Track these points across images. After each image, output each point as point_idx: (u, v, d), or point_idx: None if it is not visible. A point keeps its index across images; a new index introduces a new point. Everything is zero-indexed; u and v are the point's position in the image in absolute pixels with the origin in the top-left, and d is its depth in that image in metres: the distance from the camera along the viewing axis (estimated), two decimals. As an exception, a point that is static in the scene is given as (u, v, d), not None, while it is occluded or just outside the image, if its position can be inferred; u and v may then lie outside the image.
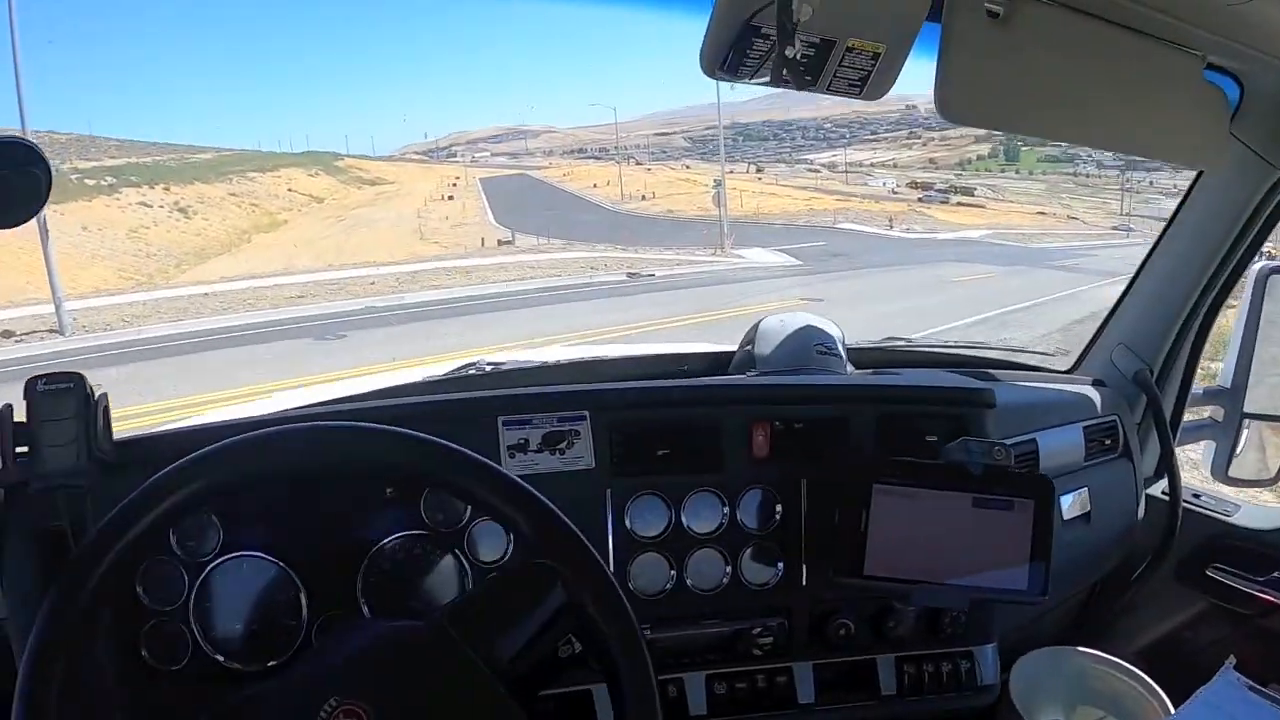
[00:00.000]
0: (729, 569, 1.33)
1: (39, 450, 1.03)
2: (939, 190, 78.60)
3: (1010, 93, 1.14)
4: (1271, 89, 1.43)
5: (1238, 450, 1.79)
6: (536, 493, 0.92)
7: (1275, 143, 1.51)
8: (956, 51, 1.06)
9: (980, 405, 1.45)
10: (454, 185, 70.93)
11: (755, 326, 1.70)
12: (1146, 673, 1.47)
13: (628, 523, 1.29)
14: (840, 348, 1.67)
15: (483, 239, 36.88)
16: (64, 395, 1.04)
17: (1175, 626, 1.82)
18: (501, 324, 13.20)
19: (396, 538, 1.16)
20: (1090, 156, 74.62)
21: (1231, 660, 1.45)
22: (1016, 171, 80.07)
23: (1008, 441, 1.39)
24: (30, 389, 1.04)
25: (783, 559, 1.35)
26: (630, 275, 20.29)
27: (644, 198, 64.17)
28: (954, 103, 1.09)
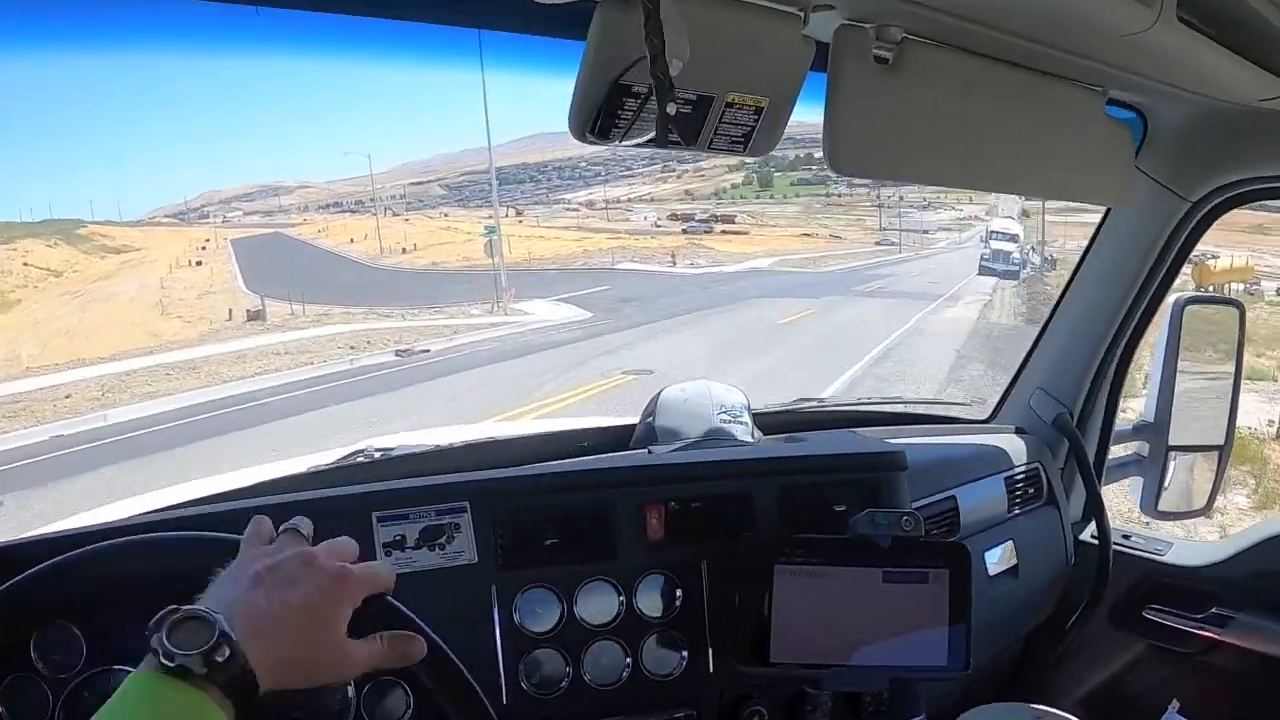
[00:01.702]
0: (629, 661, 1.26)
1: None
2: (701, 220, 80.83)
3: (905, 141, 1.10)
4: (1174, 120, 1.49)
5: (1166, 484, 1.79)
6: None
7: (1182, 173, 1.56)
8: (845, 101, 1.04)
9: (891, 469, 1.40)
10: (203, 249, 64.98)
11: (656, 398, 1.67)
12: None
13: (516, 618, 1.23)
14: (746, 414, 1.64)
15: (230, 309, 31.90)
16: None
17: (1115, 672, 1.81)
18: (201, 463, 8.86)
19: None
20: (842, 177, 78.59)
21: (1175, 704, 1.51)
22: (771, 196, 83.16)
23: (925, 501, 1.54)
24: None
25: (686, 647, 1.29)
26: (400, 354, 16.50)
27: (404, 251, 60.25)
28: (845, 155, 1.05)
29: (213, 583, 0.79)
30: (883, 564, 1.22)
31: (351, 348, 17.82)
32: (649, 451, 1.56)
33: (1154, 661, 1.75)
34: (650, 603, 1.29)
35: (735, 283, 30.81)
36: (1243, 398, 1.81)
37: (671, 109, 0.83)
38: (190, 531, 0.97)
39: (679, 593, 1.30)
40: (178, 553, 0.90)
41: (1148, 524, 2.24)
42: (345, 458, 1.77)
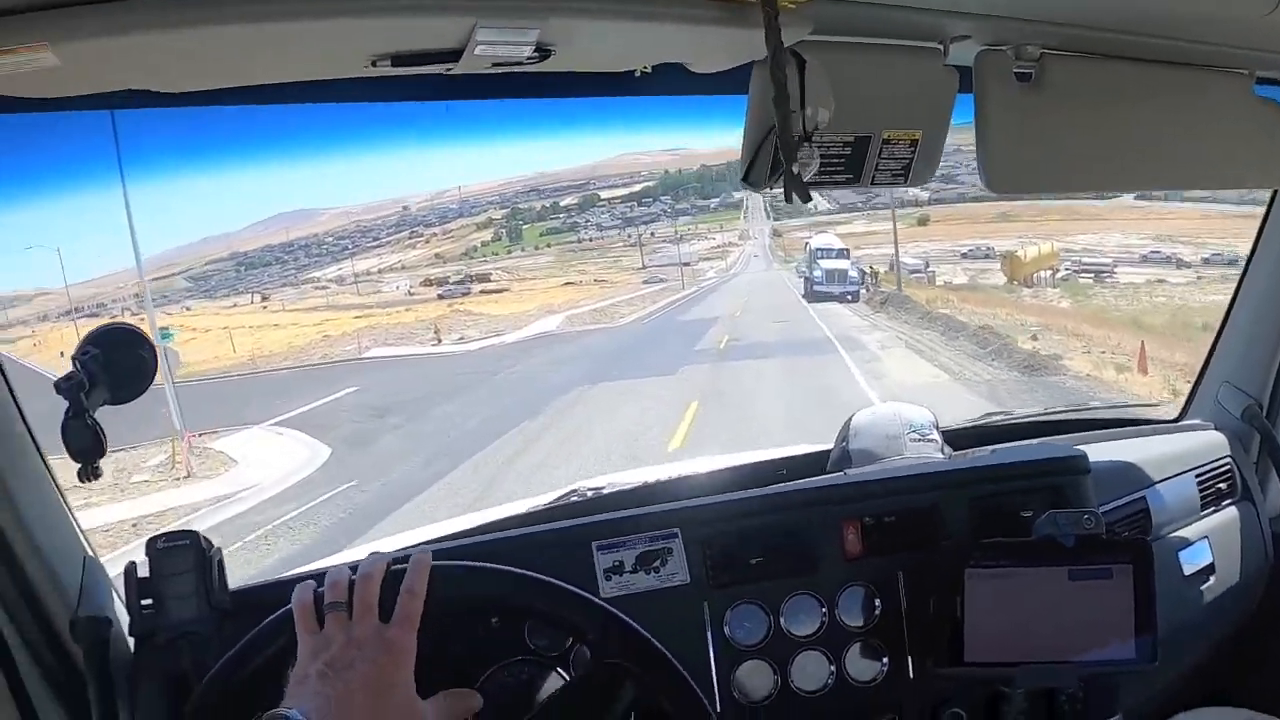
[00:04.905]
0: (833, 669, 1.33)
1: (163, 602, 1.14)
2: (456, 283, 72.78)
3: (1056, 154, 1.12)
4: None
5: None
6: (597, 599, 1.08)
7: None
8: (993, 123, 1.05)
9: (1074, 472, 1.41)
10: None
11: (848, 422, 1.73)
12: None
13: (727, 632, 1.31)
14: (935, 432, 1.67)
15: None
16: (182, 551, 1.15)
17: None
18: None
19: (504, 664, 1.21)
20: (590, 221, 72.89)
21: None
22: (523, 249, 77.26)
23: (1115, 503, 1.54)
24: (151, 547, 1.16)
25: (887, 654, 1.34)
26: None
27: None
28: (999, 176, 1.08)
29: (286, 691, 0.92)
30: (1068, 562, 1.24)
31: None
32: (844, 474, 1.61)
33: None
34: (851, 613, 1.34)
35: (528, 358, 23.82)
36: None
37: (806, 156, 0.92)
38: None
39: (877, 603, 1.34)
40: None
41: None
42: (560, 497, 1.86)
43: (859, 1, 0.97)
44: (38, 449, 1.16)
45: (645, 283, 52.92)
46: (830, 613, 1.32)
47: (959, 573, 1.25)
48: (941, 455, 1.63)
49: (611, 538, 1.28)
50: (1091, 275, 32.22)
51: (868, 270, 31.04)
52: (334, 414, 16.26)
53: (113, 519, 10.74)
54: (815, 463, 1.73)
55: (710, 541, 1.30)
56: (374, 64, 0.87)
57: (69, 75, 0.83)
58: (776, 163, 0.97)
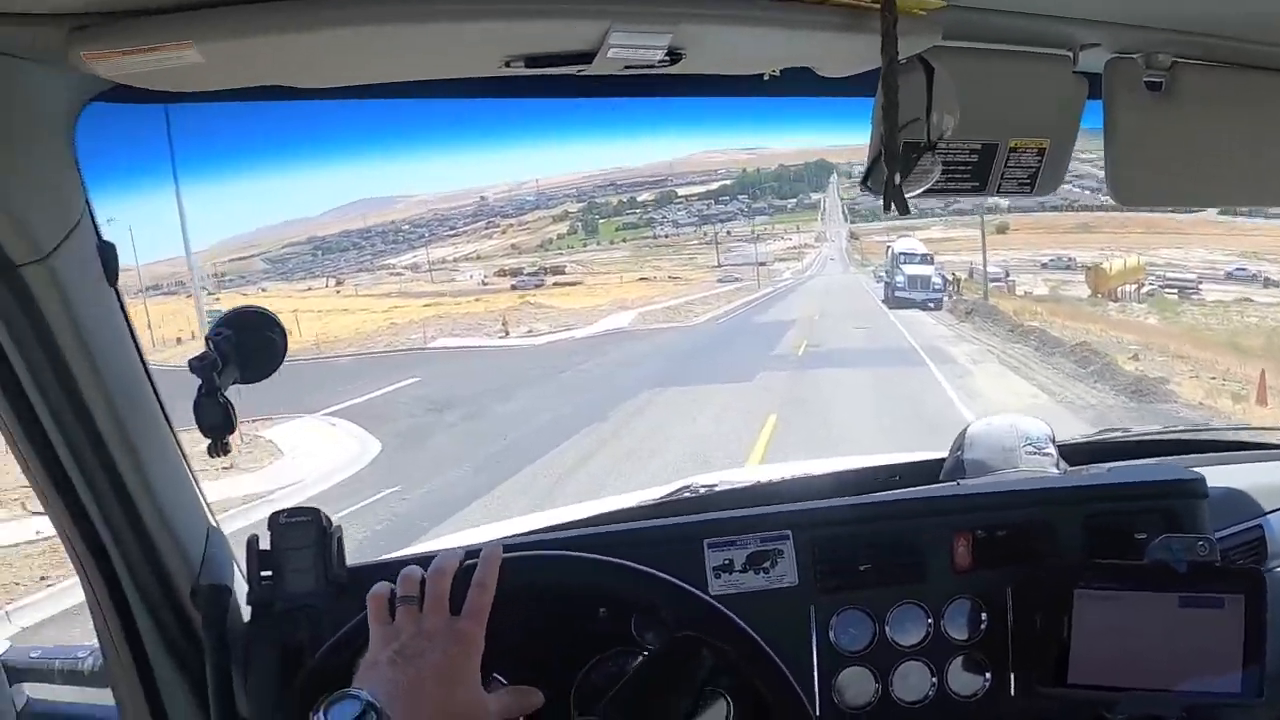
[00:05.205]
0: (935, 681, 1.32)
1: (282, 574, 1.19)
2: (530, 274, 73.60)
3: (1186, 165, 1.10)
4: None
5: None
6: (671, 579, 1.11)
7: None
8: (1122, 132, 1.05)
9: (1190, 496, 1.37)
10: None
11: (963, 432, 1.72)
12: None
13: (832, 637, 1.31)
14: (1051, 446, 1.65)
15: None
16: (304, 527, 1.20)
17: None
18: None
19: (609, 654, 1.23)
20: (666, 218, 72.86)
21: None
22: (598, 243, 77.23)
23: (1231, 529, 1.48)
24: (274, 521, 1.21)
25: (990, 669, 1.34)
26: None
27: (179, 340, 47.52)
28: (1126, 186, 1.07)
29: (356, 676, 0.95)
30: (1179, 589, 1.22)
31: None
32: (957, 484, 1.62)
33: None
34: (957, 626, 1.33)
35: (597, 355, 22.81)
36: None
37: (931, 163, 0.91)
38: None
39: (984, 616, 1.34)
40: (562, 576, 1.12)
41: None
42: (673, 493, 1.87)
43: (989, 9, 0.96)
44: (168, 422, 1.20)
45: (719, 281, 52.64)
46: (936, 624, 1.31)
47: (1069, 592, 1.23)
48: (1056, 470, 1.62)
49: (723, 536, 1.29)
50: (1175, 291, 31.10)
51: (950, 277, 30.25)
52: (392, 405, 15.80)
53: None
54: (928, 470, 1.72)
55: (821, 545, 1.30)
56: (507, 64, 0.89)
57: (209, 72, 0.86)
58: (902, 169, 0.96)
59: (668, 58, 0.89)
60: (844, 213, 69.21)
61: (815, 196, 75.43)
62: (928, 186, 0.96)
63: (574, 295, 53.02)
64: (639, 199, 79.55)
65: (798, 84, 1.04)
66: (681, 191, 78.91)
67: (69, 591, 7.24)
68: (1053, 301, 30.57)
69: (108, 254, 1.06)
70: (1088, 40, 1.04)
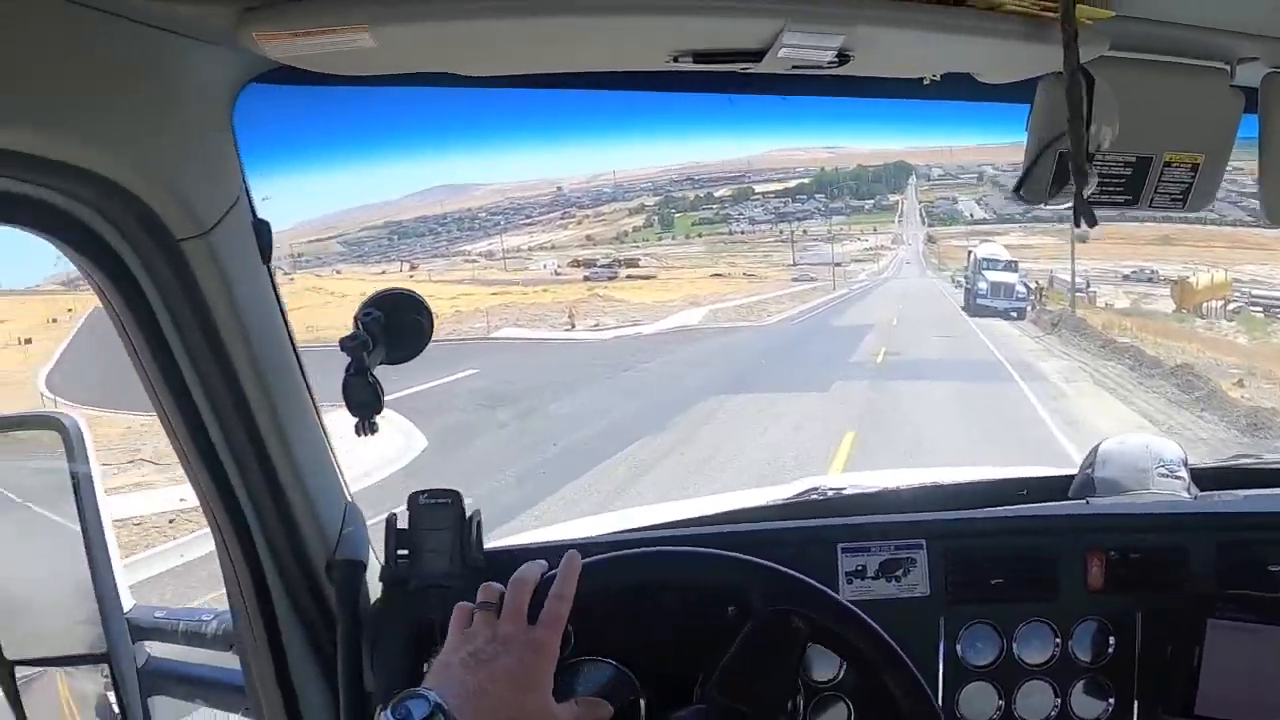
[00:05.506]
0: (1058, 702, 1.30)
1: (419, 554, 1.22)
2: (604, 266, 73.23)
3: None
4: None
5: None
6: (771, 564, 1.10)
7: None
8: (1278, 148, 1.02)
9: None
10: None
11: (1095, 449, 1.70)
12: None
13: (959, 650, 1.30)
14: (1184, 469, 1.64)
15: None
16: (443, 509, 1.22)
17: None
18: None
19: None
20: (742, 214, 72.41)
21: None
22: (674, 237, 76.80)
23: None
24: (413, 501, 1.24)
25: (1114, 694, 1.31)
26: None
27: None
28: None
29: (427, 675, 0.97)
30: None
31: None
32: (1087, 502, 1.59)
33: None
34: (1084, 648, 1.31)
35: (664, 353, 21.77)
36: None
37: (1092, 174, 0.89)
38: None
39: (1112, 640, 1.31)
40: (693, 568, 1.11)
41: None
42: (801, 494, 1.84)
43: (1154, 20, 0.96)
44: (312, 399, 1.24)
45: (794, 280, 51.96)
46: (1064, 644, 1.30)
47: (1202, 622, 1.22)
48: (1188, 495, 1.60)
49: (857, 541, 1.29)
50: (1261, 309, 29.62)
51: (1033, 285, 29.27)
52: (446, 398, 15.09)
53: (152, 508, 9.84)
54: (1056, 486, 1.71)
55: (954, 556, 1.30)
56: (675, 59, 0.90)
57: (378, 56, 0.88)
58: (1057, 180, 0.97)
59: (836, 59, 0.89)
60: (921, 215, 67.68)
61: (893, 198, 73.95)
62: (1084, 198, 0.94)
63: (646, 289, 52.40)
64: (716, 194, 79.00)
65: (955, 89, 1.04)
66: (758, 188, 78.17)
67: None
68: (1139, 316, 29.41)
69: (262, 232, 1.09)
70: (1246, 54, 1.03)
